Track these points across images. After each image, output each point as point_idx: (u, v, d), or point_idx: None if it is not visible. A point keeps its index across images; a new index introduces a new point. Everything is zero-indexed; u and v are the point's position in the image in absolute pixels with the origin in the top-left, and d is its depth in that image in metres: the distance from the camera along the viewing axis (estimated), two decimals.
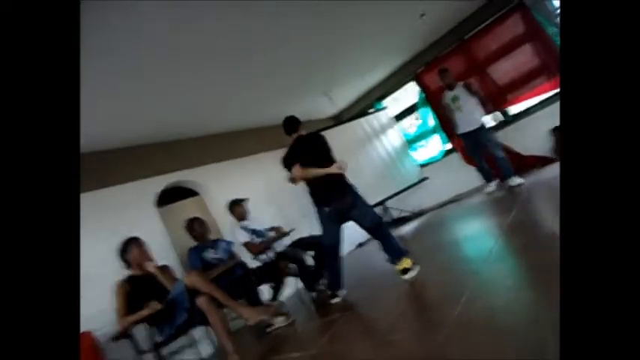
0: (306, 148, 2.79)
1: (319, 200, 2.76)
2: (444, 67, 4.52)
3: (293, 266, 3.38)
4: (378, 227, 2.65)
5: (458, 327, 1.49)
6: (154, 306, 2.24)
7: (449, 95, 4.40)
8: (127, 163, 3.69)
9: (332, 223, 2.76)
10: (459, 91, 4.31)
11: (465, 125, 4.28)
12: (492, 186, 4.29)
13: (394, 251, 2.55)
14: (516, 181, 4.01)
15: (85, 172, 3.05)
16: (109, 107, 2.97)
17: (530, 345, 1.14)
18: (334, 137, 5.11)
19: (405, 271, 2.46)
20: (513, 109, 5.15)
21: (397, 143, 5.92)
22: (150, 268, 2.58)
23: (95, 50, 2.23)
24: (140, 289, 2.47)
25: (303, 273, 3.39)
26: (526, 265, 1.92)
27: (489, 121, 4.46)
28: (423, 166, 5.91)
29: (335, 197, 2.67)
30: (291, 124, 2.93)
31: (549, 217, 2.61)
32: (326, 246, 2.85)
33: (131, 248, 2.57)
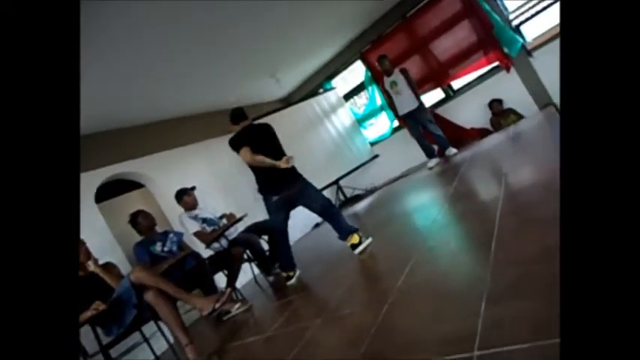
0: (255, 136, 2.76)
1: (267, 190, 2.79)
2: (381, 55, 4.72)
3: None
4: (327, 210, 2.74)
5: (402, 294, 1.56)
6: (97, 306, 2.11)
7: (387, 81, 4.66)
8: None
9: (280, 210, 2.80)
10: (396, 76, 4.58)
11: (404, 107, 4.59)
12: (433, 162, 4.53)
13: (343, 229, 2.65)
14: (452, 151, 4.50)
15: None
16: None
17: (467, 304, 1.21)
18: (284, 119, 5.07)
19: (354, 246, 2.56)
20: (455, 84, 5.36)
21: (347, 122, 5.97)
22: (91, 267, 2.43)
23: None
24: (82, 290, 2.33)
25: (259, 258, 3.37)
26: (466, 230, 2.04)
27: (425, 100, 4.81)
28: (373, 143, 6.03)
29: (284, 187, 2.71)
30: (238, 115, 2.86)
31: (486, 186, 2.77)
32: (275, 230, 2.89)
33: None
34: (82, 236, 2.54)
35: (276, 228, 2.86)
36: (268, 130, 2.85)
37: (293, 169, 2.76)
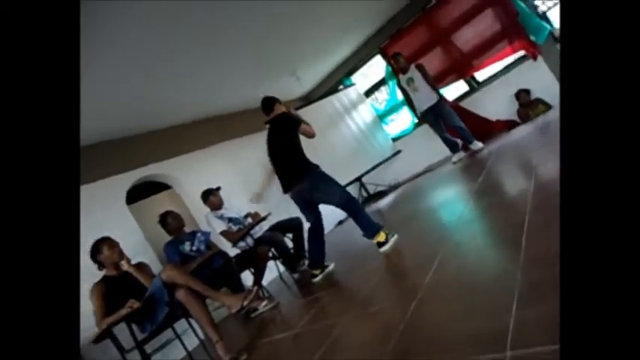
0: (271, 138, 2.85)
1: (281, 185, 2.81)
2: (395, 52, 4.66)
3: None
4: (348, 204, 2.65)
5: (431, 290, 1.54)
6: (132, 304, 2.20)
7: (404, 78, 4.59)
8: (92, 160, 3.55)
9: (302, 207, 2.82)
10: (412, 72, 4.49)
11: (422, 104, 4.50)
12: (457, 156, 4.43)
13: (368, 227, 2.58)
14: (477, 145, 4.30)
15: None
16: None
17: (498, 302, 1.18)
18: (305, 117, 5.07)
19: (380, 244, 2.51)
20: (479, 76, 5.22)
21: (369, 118, 5.93)
22: (125, 267, 2.53)
23: None
24: (117, 289, 2.43)
25: (284, 256, 3.41)
26: (494, 226, 1.99)
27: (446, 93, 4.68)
28: (395, 139, 5.96)
29: (290, 182, 2.72)
30: (264, 106, 2.92)
31: (515, 180, 2.69)
32: (309, 225, 2.91)
33: (102, 248, 2.50)
34: (115, 237, 2.64)
35: (310, 224, 2.87)
36: (281, 125, 2.79)
37: (303, 161, 2.70)
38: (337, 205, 2.67)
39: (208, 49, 3.39)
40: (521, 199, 1.94)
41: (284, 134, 2.76)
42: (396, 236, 2.57)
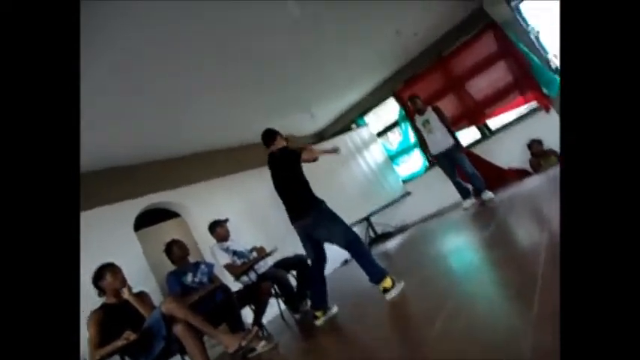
0: (276, 172, 2.80)
1: (289, 218, 2.74)
2: (412, 95, 4.70)
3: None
4: (352, 246, 2.53)
5: (438, 342, 1.47)
6: (128, 336, 2.14)
7: (419, 120, 4.59)
8: (103, 185, 3.60)
9: (305, 243, 2.74)
10: (429, 114, 4.49)
11: (437, 146, 4.46)
12: (468, 203, 4.36)
13: (373, 271, 2.46)
14: (488, 195, 4.17)
15: None
16: (83, 127, 2.91)
17: (508, 356, 1.12)
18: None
19: (386, 290, 2.38)
20: (492, 124, 5.27)
21: (380, 159, 5.97)
22: (126, 295, 2.48)
23: None
24: (115, 318, 2.37)
25: (287, 294, 3.33)
26: (506, 279, 1.92)
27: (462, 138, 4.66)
28: (405, 181, 5.96)
29: (296, 216, 2.66)
30: (265, 138, 2.92)
31: (526, 231, 2.64)
32: (310, 263, 2.83)
33: (106, 275, 2.47)
34: (119, 263, 2.61)
35: (311, 262, 2.79)
36: (283, 159, 2.75)
37: (309, 195, 2.62)
38: (340, 245, 2.56)
39: (227, 83, 3.50)
40: (534, 251, 1.88)
41: (287, 168, 2.72)
42: (402, 283, 2.44)
